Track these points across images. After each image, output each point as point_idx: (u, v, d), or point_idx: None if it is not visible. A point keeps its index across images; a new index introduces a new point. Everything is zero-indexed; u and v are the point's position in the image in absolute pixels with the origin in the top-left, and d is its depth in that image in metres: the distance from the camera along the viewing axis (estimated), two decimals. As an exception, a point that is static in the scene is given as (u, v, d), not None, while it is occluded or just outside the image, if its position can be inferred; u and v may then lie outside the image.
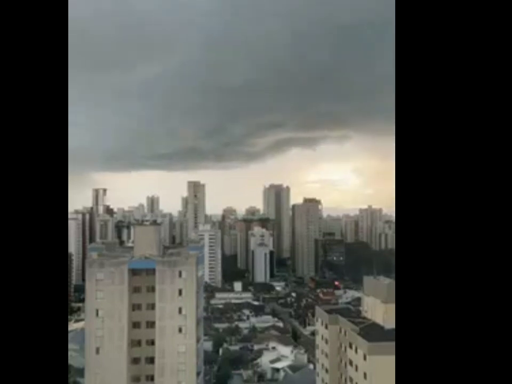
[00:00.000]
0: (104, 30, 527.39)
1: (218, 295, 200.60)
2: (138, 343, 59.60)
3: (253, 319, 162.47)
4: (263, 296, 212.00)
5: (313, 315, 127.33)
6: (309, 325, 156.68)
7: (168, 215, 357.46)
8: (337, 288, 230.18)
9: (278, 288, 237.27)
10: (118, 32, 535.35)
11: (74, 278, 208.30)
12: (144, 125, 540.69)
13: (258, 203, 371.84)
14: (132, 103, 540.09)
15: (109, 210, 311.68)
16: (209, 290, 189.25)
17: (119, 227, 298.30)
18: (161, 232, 70.64)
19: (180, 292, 59.21)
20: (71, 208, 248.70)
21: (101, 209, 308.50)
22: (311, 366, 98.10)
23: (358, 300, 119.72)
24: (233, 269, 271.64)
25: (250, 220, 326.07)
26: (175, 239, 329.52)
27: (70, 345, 70.30)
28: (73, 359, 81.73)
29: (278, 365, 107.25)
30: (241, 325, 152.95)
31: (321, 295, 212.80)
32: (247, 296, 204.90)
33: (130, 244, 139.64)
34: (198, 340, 60.40)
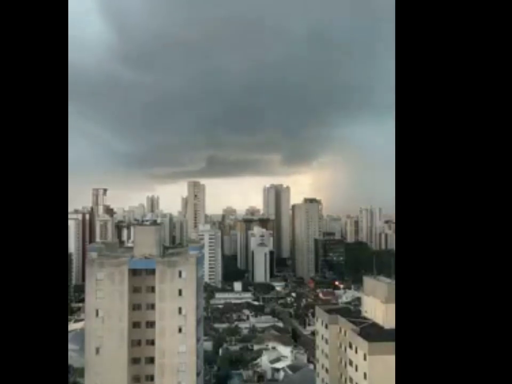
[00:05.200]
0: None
1: (218, 295, 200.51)
2: (138, 343, 59.54)
3: (253, 319, 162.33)
4: (263, 296, 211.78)
5: (313, 315, 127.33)
6: (309, 325, 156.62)
7: (168, 215, 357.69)
8: (337, 288, 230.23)
9: (278, 288, 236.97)
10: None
11: (74, 278, 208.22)
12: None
13: (258, 203, 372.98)
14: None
15: (109, 210, 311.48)
16: (209, 290, 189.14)
17: (119, 227, 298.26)
18: (161, 232, 70.56)
19: (180, 292, 59.14)
20: (71, 208, 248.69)
21: (101, 209, 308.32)
22: (311, 366, 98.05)
23: (358, 299, 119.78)
24: (233, 269, 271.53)
25: (250, 220, 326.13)
26: (175, 239, 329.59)
27: (70, 345, 70.26)
28: (73, 359, 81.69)
29: (278, 365, 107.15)
30: (241, 325, 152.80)
31: (321, 295, 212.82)
32: (247, 296, 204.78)
33: (130, 244, 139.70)
34: (198, 340, 60.34)
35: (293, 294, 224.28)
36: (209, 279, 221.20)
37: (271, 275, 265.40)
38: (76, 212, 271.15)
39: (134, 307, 59.48)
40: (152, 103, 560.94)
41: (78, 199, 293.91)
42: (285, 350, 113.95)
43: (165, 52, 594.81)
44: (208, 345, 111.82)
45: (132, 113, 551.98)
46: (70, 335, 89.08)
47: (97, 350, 57.76)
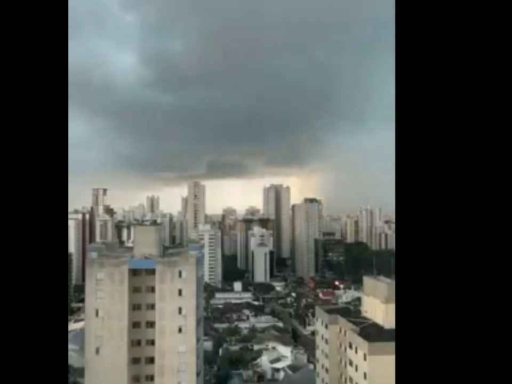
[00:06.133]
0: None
1: (218, 295, 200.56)
2: (138, 343, 59.55)
3: (253, 319, 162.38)
4: (263, 296, 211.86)
5: (313, 315, 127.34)
6: (309, 325, 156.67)
7: (168, 215, 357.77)
8: (337, 288, 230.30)
9: (278, 288, 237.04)
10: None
11: (74, 278, 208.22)
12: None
13: (258, 203, 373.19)
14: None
15: (108, 210, 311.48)
16: (209, 290, 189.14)
17: (119, 227, 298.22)
18: (161, 232, 70.50)
19: (180, 292, 59.14)
20: (71, 208, 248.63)
21: (101, 209, 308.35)
22: (311, 366, 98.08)
23: (358, 299, 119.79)
24: (233, 269, 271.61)
25: (250, 219, 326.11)
26: (175, 239, 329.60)
27: (70, 345, 70.25)
28: (73, 359, 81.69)
29: (278, 365, 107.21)
30: (241, 325, 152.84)
31: (321, 295, 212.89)
32: (247, 296, 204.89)
33: (130, 244, 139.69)
34: (198, 340, 60.33)
35: (293, 294, 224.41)
36: (209, 279, 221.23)
37: (271, 275, 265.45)
38: (76, 212, 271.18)
39: (134, 307, 59.49)
40: (167, 118, 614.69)
41: (78, 199, 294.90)
42: (285, 350, 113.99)
43: (179, 78, 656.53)
44: (208, 345, 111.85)
45: (148, 125, 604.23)
46: (70, 335, 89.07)
47: (97, 350, 57.76)
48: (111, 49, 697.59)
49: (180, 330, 58.90)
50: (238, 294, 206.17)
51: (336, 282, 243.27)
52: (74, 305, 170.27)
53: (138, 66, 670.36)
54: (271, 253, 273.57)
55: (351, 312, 68.08)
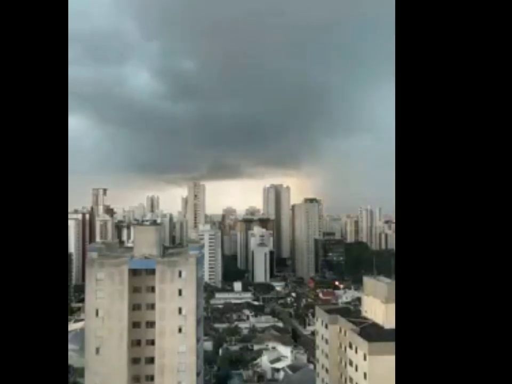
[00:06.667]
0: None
1: (218, 295, 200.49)
2: (138, 343, 59.56)
3: (253, 319, 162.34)
4: (263, 296, 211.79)
5: (313, 315, 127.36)
6: (309, 325, 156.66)
7: (168, 215, 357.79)
8: (337, 288, 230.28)
9: (278, 288, 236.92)
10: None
11: (74, 278, 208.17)
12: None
13: (258, 203, 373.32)
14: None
15: (108, 210, 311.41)
16: (209, 290, 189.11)
17: (119, 227, 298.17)
18: (161, 232, 70.46)
19: (180, 292, 59.15)
20: (71, 208, 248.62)
21: (101, 209, 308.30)
22: (311, 366, 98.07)
23: (358, 299, 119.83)
24: (233, 269, 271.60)
25: (250, 220, 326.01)
26: (175, 239, 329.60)
27: (70, 345, 70.25)
28: (73, 359, 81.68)
29: (278, 365, 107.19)
30: (241, 325, 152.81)
31: (321, 295, 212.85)
32: (247, 296, 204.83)
33: (130, 244, 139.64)
34: (198, 340, 60.33)
35: (293, 294, 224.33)
36: (209, 279, 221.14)
37: (271, 275, 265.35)
38: (76, 212, 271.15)
39: (134, 307, 59.49)
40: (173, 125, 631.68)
41: (78, 199, 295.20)
42: (285, 350, 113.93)
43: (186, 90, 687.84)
44: (208, 345, 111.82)
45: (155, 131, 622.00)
46: (70, 335, 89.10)
47: (97, 350, 57.76)
48: (125, 66, 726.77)
49: (180, 330, 58.90)
50: (238, 294, 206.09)
51: (336, 282, 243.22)
52: (74, 305, 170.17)
53: (150, 80, 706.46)
54: (271, 253, 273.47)
55: (351, 312, 68.08)
